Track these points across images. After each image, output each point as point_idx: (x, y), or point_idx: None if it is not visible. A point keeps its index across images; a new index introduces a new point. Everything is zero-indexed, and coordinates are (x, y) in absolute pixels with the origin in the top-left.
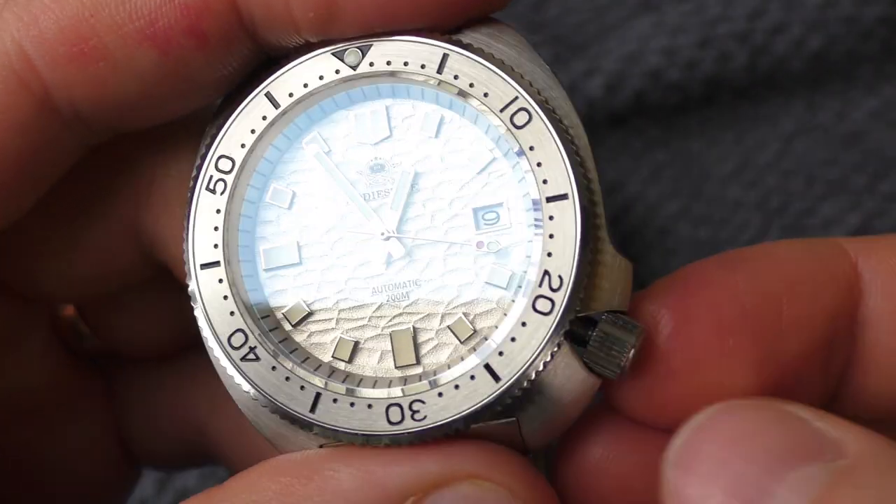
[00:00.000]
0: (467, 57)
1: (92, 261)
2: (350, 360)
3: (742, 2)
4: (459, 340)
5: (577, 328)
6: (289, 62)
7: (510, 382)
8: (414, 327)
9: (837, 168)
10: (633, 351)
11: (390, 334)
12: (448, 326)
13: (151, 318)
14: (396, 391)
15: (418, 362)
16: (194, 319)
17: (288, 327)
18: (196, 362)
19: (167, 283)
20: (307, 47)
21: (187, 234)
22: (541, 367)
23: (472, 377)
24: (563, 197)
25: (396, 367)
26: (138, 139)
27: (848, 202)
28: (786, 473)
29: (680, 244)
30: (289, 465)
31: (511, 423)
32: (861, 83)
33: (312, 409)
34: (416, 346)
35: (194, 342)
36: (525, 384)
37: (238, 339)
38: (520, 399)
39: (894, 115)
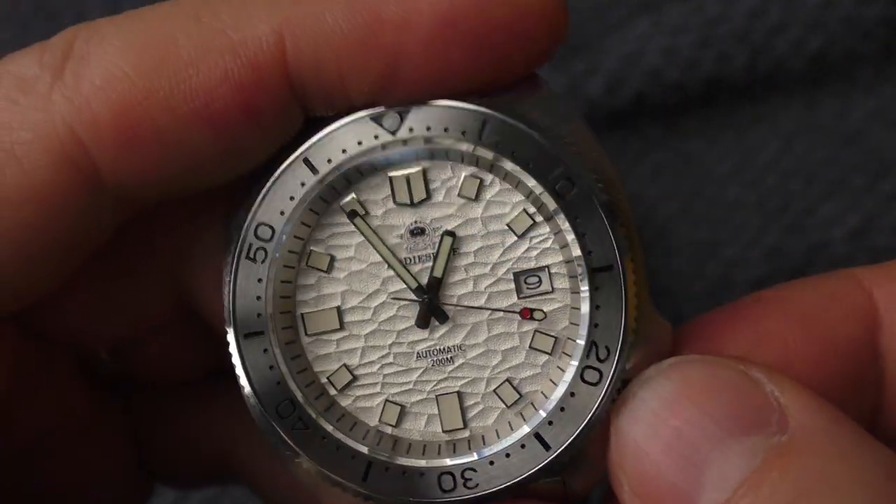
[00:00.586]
0: (508, 123)
1: (128, 313)
2: (397, 425)
3: (742, 2)
4: (506, 405)
5: (622, 390)
6: (326, 126)
7: (560, 451)
8: (460, 392)
9: (837, 168)
10: None
11: (436, 398)
12: (494, 391)
13: (174, 349)
14: (447, 461)
15: (465, 426)
16: (233, 371)
17: (333, 392)
18: (216, 385)
19: (189, 316)
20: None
21: (229, 304)
22: (589, 433)
23: (523, 446)
24: (609, 269)
25: (444, 432)
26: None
27: (848, 202)
28: (727, 443)
29: (680, 244)
30: None
31: (557, 481)
32: (861, 83)
33: (364, 478)
34: (463, 410)
35: (215, 368)
36: (573, 451)
37: (286, 409)
38: (567, 463)
39: (894, 115)
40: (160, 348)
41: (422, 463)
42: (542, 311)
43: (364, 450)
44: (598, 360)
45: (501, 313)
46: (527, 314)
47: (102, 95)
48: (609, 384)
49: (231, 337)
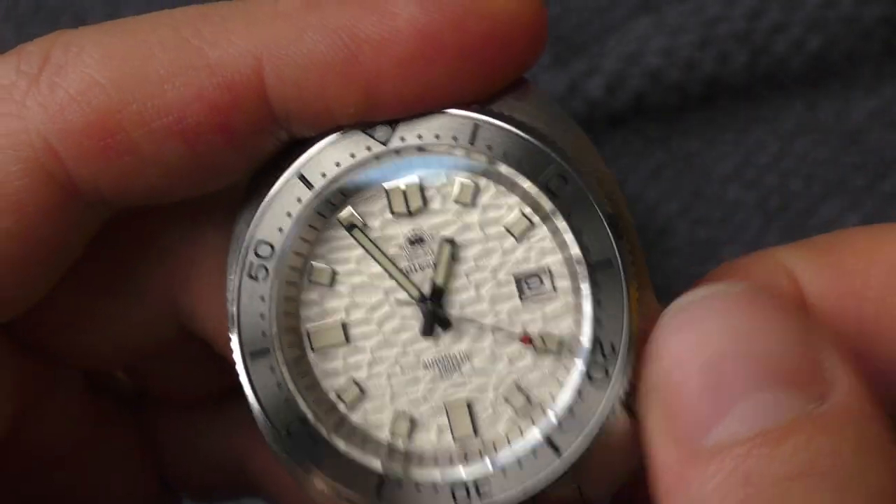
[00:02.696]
0: (498, 126)
1: (130, 336)
2: (408, 436)
3: (742, 2)
4: (515, 409)
5: (630, 388)
6: (318, 140)
7: (572, 455)
8: (468, 399)
9: (837, 168)
10: None
11: (445, 406)
12: (502, 395)
13: (186, 370)
14: (461, 473)
15: (476, 434)
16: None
17: (343, 408)
18: (230, 399)
19: (196, 337)
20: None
21: (234, 324)
22: (599, 434)
23: (535, 453)
24: (608, 264)
25: (454, 440)
26: (171, 218)
27: (848, 202)
28: (766, 388)
29: (680, 244)
30: None
31: (572, 487)
32: (861, 83)
33: (378, 496)
34: (473, 418)
35: (229, 385)
36: (585, 453)
37: (296, 427)
38: (580, 466)
39: (894, 115)
40: (169, 371)
41: (436, 476)
42: (541, 338)
43: (377, 464)
44: (604, 356)
45: (505, 316)
46: (526, 340)
47: (76, 105)
48: (616, 381)
49: (238, 356)
